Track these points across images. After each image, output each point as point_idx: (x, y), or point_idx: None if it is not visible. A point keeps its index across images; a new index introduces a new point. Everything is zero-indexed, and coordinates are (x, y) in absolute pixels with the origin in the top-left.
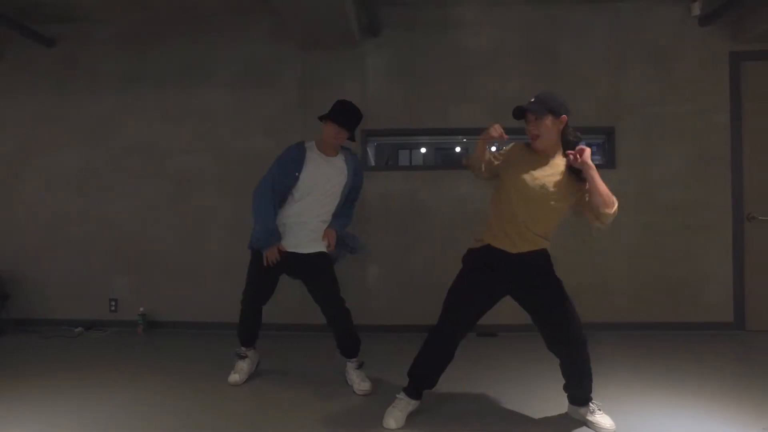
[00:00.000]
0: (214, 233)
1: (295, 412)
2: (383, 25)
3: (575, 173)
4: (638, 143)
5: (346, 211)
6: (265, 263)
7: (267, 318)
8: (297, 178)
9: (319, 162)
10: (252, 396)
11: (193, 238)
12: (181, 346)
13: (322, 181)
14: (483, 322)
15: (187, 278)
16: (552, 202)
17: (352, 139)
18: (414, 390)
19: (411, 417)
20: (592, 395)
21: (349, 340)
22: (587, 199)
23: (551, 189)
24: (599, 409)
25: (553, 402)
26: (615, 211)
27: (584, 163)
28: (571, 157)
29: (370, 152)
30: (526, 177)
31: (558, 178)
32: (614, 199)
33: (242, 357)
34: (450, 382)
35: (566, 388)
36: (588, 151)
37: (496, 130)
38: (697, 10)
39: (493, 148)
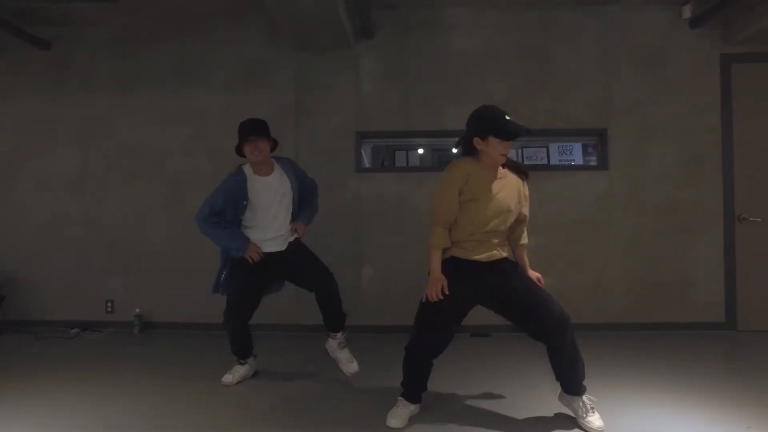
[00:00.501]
0: None
1: (293, 412)
2: (377, 27)
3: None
4: (630, 145)
5: (311, 203)
6: (251, 262)
7: (262, 318)
8: (245, 207)
9: (260, 183)
10: (249, 397)
11: (188, 239)
12: (178, 347)
13: (268, 201)
14: (476, 322)
15: (183, 279)
16: (511, 214)
17: (275, 143)
18: (410, 395)
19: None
20: (587, 389)
21: (340, 310)
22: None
23: (514, 205)
24: (593, 408)
25: (547, 401)
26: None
27: None
28: None
29: (365, 154)
30: (498, 197)
31: (515, 191)
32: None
33: (242, 363)
34: (445, 381)
35: (559, 376)
36: None
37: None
38: (687, 12)
39: None
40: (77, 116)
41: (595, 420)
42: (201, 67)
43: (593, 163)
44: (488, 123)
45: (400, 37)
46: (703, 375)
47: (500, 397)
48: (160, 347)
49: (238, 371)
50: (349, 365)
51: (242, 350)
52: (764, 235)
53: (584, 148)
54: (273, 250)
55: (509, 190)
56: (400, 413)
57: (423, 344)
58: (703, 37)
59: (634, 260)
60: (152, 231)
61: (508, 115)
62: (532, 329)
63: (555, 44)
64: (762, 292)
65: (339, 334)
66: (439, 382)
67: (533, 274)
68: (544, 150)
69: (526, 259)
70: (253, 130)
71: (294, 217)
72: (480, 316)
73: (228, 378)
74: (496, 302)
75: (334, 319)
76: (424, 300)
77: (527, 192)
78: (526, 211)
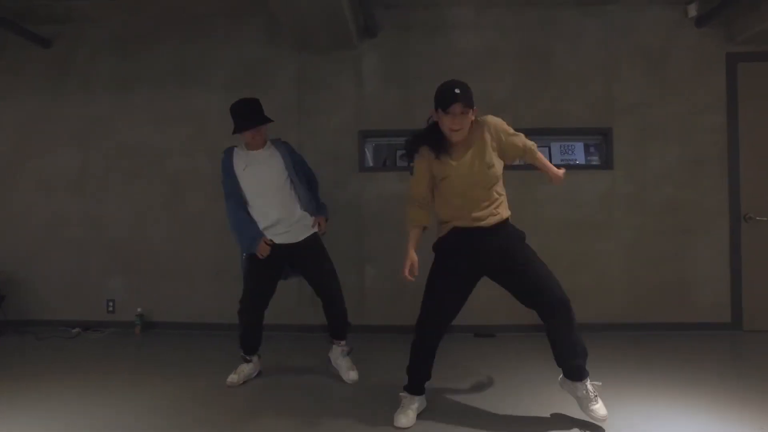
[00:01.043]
0: (210, 234)
1: (298, 412)
2: (380, 26)
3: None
4: (633, 144)
5: (316, 196)
6: (260, 257)
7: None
8: (237, 194)
9: (252, 156)
10: (252, 397)
11: (189, 238)
12: (179, 346)
13: (261, 170)
14: (481, 322)
15: (185, 279)
16: (490, 170)
17: (268, 120)
18: (413, 385)
19: None
20: (589, 373)
21: (343, 319)
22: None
23: (487, 167)
24: (596, 397)
25: (551, 400)
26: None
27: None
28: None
29: (368, 153)
30: (464, 166)
31: (486, 152)
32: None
33: (246, 361)
34: (450, 381)
35: (559, 360)
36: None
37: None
38: (693, 11)
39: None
40: (77, 116)
41: (599, 408)
42: (201, 67)
43: (595, 163)
44: (436, 96)
45: (401, 37)
46: (710, 376)
47: (505, 397)
48: (161, 347)
49: (243, 371)
50: (350, 373)
51: (250, 345)
52: None
53: (586, 147)
54: (285, 242)
55: (477, 150)
56: (407, 412)
57: (425, 322)
58: (707, 36)
59: (637, 260)
60: (152, 231)
61: (459, 88)
62: (532, 304)
63: (557, 43)
64: None
65: (342, 342)
66: (444, 381)
67: (556, 172)
68: (546, 150)
69: (543, 159)
70: (254, 119)
71: (309, 211)
72: (484, 315)
73: (233, 378)
74: (496, 272)
75: (336, 325)
76: (430, 277)
77: (499, 127)
78: (515, 142)
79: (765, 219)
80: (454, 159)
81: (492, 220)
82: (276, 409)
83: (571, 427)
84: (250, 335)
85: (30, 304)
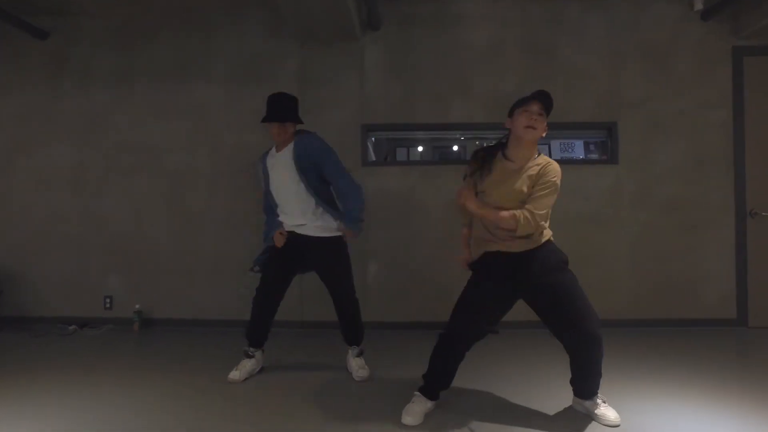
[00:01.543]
0: (209, 230)
1: (301, 409)
2: (383, 18)
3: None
4: (638, 139)
5: (347, 202)
6: (279, 245)
7: None
8: (269, 193)
9: (273, 158)
10: (255, 393)
11: (188, 235)
12: (178, 343)
13: (275, 176)
14: None
15: (183, 275)
16: (520, 197)
17: (299, 121)
18: (429, 390)
19: None
20: (597, 394)
21: (354, 327)
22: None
23: (525, 191)
24: (604, 402)
25: (557, 396)
26: (523, 227)
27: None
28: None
29: (369, 147)
30: (505, 185)
31: (524, 188)
32: (515, 219)
33: (249, 356)
34: (458, 378)
35: (573, 381)
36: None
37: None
38: (699, 5)
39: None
40: (74, 110)
41: (609, 413)
42: (202, 61)
43: (602, 158)
44: (515, 102)
45: (405, 30)
46: (716, 372)
47: (515, 394)
48: (160, 344)
49: (245, 366)
50: (360, 371)
51: (256, 337)
52: None
53: (586, 145)
54: (303, 233)
55: (523, 176)
56: (416, 410)
57: (453, 331)
58: (713, 31)
59: (643, 256)
60: (151, 227)
61: (542, 91)
62: (560, 338)
63: (562, 38)
64: None
65: (356, 348)
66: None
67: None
68: (546, 147)
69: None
70: (268, 114)
71: (335, 218)
72: None
73: (235, 374)
74: (527, 297)
75: (348, 330)
76: (463, 293)
77: (547, 179)
78: (533, 202)
79: None
80: (499, 175)
81: (521, 245)
82: (280, 405)
83: (587, 421)
84: (259, 325)
85: (26, 301)
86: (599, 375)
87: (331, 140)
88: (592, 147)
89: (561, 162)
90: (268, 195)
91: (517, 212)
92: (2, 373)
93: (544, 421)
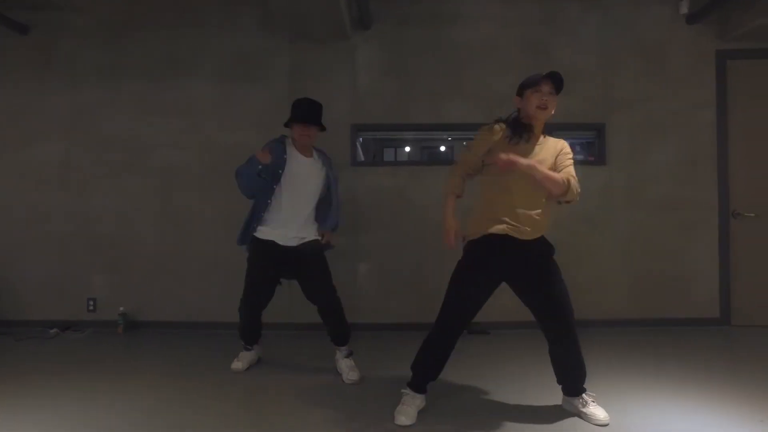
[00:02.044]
0: (198, 230)
1: (293, 410)
2: (374, 18)
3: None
4: (628, 140)
5: (333, 213)
6: (268, 154)
7: None
8: (279, 176)
9: (299, 160)
10: (246, 395)
11: (176, 235)
12: (164, 346)
13: (301, 180)
14: (474, 319)
15: (170, 277)
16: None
17: (322, 129)
18: (418, 383)
19: None
20: (586, 387)
21: (339, 329)
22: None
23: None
24: (593, 401)
25: (546, 396)
26: (572, 192)
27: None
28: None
29: (359, 147)
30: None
31: (550, 155)
32: (567, 182)
33: (248, 349)
34: (445, 379)
35: (560, 380)
36: (511, 160)
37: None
38: (684, 8)
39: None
40: (61, 106)
41: (598, 411)
42: (192, 57)
43: (590, 159)
44: (523, 82)
45: (397, 29)
46: (701, 370)
47: (506, 394)
48: (145, 347)
49: (246, 357)
50: (350, 373)
51: (250, 337)
52: (758, 230)
53: (572, 147)
54: (286, 245)
55: (543, 154)
56: (408, 409)
57: (447, 320)
58: (700, 33)
59: (632, 256)
60: (138, 226)
61: (552, 71)
62: (541, 326)
63: (554, 38)
64: (755, 287)
65: (344, 348)
66: (443, 380)
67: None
68: None
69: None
70: (309, 116)
71: (319, 221)
72: (479, 313)
73: (237, 365)
74: (518, 287)
75: (336, 332)
76: (454, 278)
77: (568, 151)
78: (567, 171)
79: (753, 215)
80: (522, 150)
81: (528, 232)
82: (272, 406)
83: (573, 417)
84: (249, 329)
85: (6, 304)
86: (583, 368)
87: (321, 139)
88: (578, 148)
89: None
90: (266, 180)
91: (566, 177)
92: None
93: (536, 420)
